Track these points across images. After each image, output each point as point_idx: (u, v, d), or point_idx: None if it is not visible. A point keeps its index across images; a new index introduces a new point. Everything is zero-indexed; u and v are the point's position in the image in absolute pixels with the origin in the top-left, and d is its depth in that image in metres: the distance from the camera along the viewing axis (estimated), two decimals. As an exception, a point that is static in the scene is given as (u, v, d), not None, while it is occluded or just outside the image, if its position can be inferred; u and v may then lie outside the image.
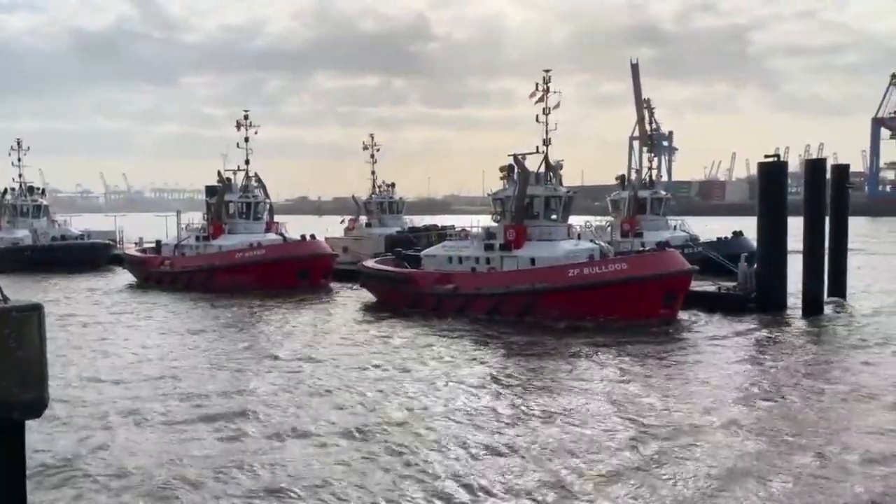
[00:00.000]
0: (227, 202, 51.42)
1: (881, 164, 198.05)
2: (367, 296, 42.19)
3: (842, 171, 40.47)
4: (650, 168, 60.64)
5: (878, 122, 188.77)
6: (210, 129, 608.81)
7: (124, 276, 55.46)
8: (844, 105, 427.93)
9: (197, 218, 55.57)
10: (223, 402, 20.49)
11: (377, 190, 61.95)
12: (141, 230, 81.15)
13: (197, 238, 51.77)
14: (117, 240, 71.74)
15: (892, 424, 17.97)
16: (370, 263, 42.18)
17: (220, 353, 27.59)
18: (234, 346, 28.75)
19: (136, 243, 67.94)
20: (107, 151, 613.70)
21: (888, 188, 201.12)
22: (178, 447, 16.78)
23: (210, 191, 53.24)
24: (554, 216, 36.67)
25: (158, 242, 56.19)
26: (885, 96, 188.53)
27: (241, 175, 51.94)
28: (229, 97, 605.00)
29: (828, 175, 38.21)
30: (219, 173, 52.18)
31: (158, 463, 15.79)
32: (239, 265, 47.32)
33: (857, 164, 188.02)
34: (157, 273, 51.11)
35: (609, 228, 49.74)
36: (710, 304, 35.58)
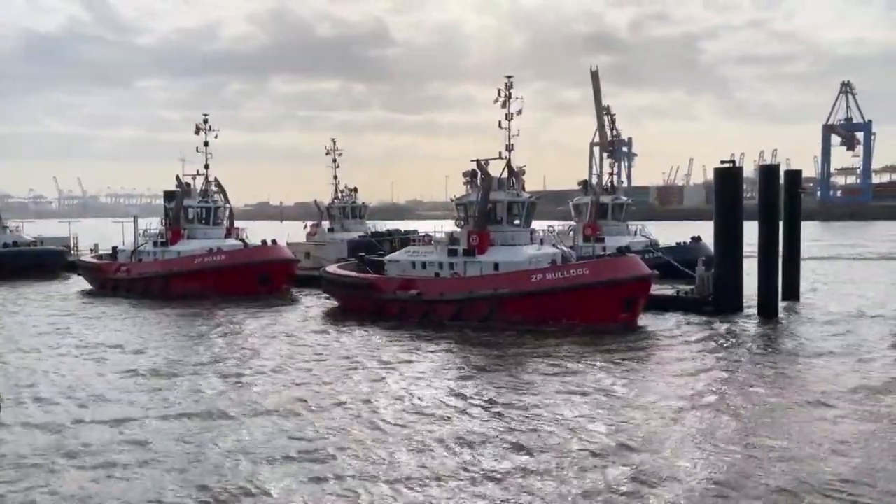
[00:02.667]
0: (187, 207, 50.52)
1: (832, 170, 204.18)
2: (330, 302, 41.81)
3: (794, 176, 41.56)
4: (611, 174, 61.53)
5: (828, 129, 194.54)
6: (167, 133, 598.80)
7: (79, 284, 54.04)
8: (794, 113, 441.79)
9: (155, 223, 54.45)
10: (168, 413, 20.05)
11: (340, 195, 61.58)
12: (96, 236, 79.30)
13: (154, 244, 50.74)
14: (71, 246, 69.98)
15: (836, 418, 18.52)
16: (332, 269, 41.82)
17: (170, 361, 26.90)
18: (186, 355, 28.08)
19: (91, 249, 66.37)
20: (60, 156, 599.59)
21: (839, 193, 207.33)
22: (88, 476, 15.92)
23: (168, 195, 52.26)
24: (517, 221, 36.87)
25: (115, 248, 54.92)
26: (835, 104, 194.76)
27: (200, 179, 51.19)
28: (186, 101, 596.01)
29: (781, 180, 39.23)
30: (177, 178, 51.31)
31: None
32: (198, 271, 46.49)
33: (809, 170, 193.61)
34: (113, 280, 49.92)
35: (571, 233, 50.27)
36: (669, 307, 36.19)
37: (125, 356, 28.10)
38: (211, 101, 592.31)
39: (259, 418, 19.58)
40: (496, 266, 34.84)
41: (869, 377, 23.30)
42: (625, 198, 57.59)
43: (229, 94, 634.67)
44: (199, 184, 51.17)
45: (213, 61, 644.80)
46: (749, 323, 33.51)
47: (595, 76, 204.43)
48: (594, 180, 72.04)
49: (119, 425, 18.91)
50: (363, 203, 62.37)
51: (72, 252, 67.26)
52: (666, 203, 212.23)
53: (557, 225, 49.61)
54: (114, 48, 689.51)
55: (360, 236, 55.90)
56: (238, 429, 18.66)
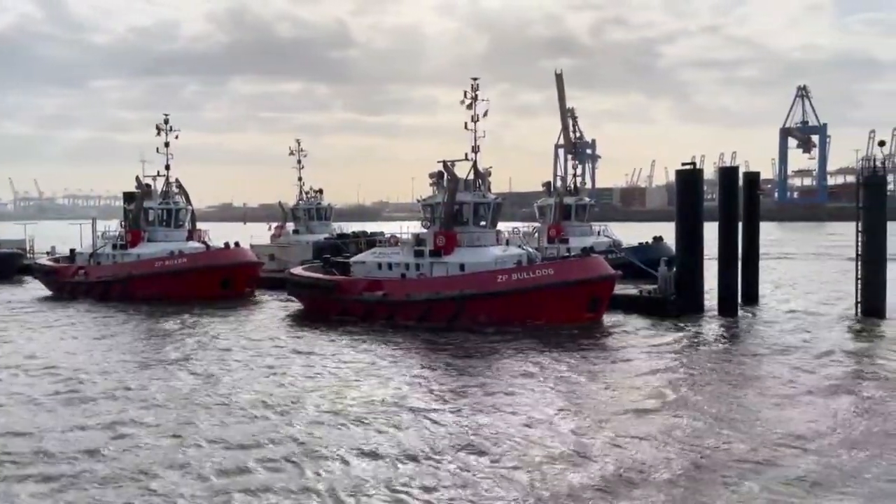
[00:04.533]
0: (147, 209, 49.55)
1: (789, 172, 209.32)
2: (295, 304, 41.42)
3: (753, 178, 42.47)
4: (575, 175, 62.18)
5: (785, 133, 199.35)
6: (124, 134, 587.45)
7: (35, 288, 52.61)
8: (750, 116, 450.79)
9: (114, 225, 53.28)
10: (126, 421, 19.62)
11: (304, 196, 61.05)
12: (54, 239, 77.34)
13: (114, 246, 49.65)
14: (27, 249, 68.12)
15: (793, 413, 18.99)
16: (297, 271, 41.43)
17: (127, 367, 26.30)
18: (144, 360, 27.47)
19: (48, 252, 64.70)
20: (14, 157, 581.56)
21: (796, 195, 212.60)
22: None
23: (128, 197, 51.20)
24: (483, 222, 37.00)
25: (72, 251, 53.61)
26: (791, 108, 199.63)
27: (161, 181, 50.24)
28: (143, 101, 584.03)
29: (740, 182, 40.06)
30: (137, 179, 50.25)
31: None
32: (158, 274, 45.64)
33: (767, 172, 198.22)
34: (71, 283, 48.73)
35: (536, 234, 50.66)
36: (632, 306, 36.67)
37: (75, 364, 27.40)
38: (169, 102, 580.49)
39: (217, 427, 19.26)
40: (462, 267, 34.90)
41: (822, 374, 23.93)
42: (588, 199, 58.24)
43: (188, 95, 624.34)
44: (159, 185, 50.30)
45: (171, 61, 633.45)
46: (709, 322, 34.14)
47: (559, 79, 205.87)
48: (558, 182, 72.63)
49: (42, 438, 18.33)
50: (328, 205, 61.95)
51: (27, 255, 65.46)
52: (629, 204, 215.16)
53: (523, 226, 49.96)
54: (68, 47, 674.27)
55: (325, 238, 55.43)
56: (193, 435, 18.35)
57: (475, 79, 37.07)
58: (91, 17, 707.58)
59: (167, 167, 49.87)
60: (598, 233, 55.83)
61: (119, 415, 20.09)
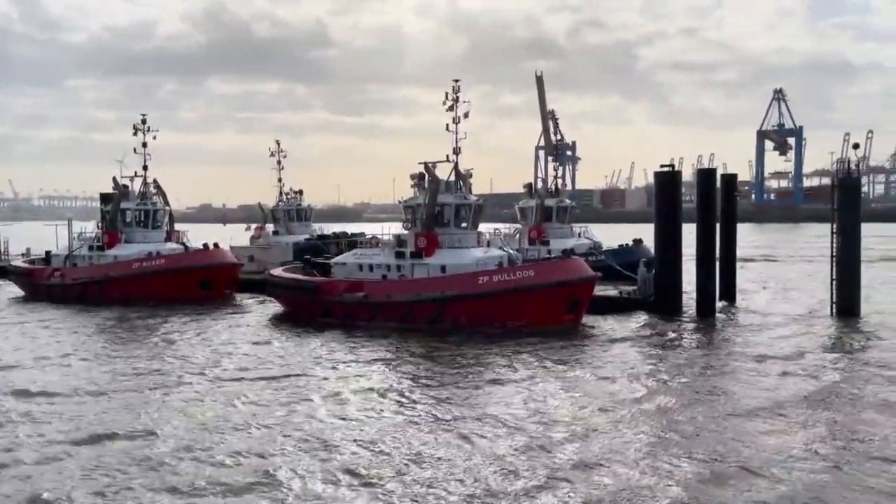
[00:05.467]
0: (124, 210, 48.96)
1: (766, 174, 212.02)
2: (275, 306, 41.15)
3: (730, 180, 42.97)
4: (555, 177, 62.38)
5: (762, 135, 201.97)
6: (101, 134, 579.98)
7: (9, 290, 51.75)
8: (727, 118, 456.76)
9: (90, 226, 52.57)
10: (102, 428, 19.29)
11: (284, 197, 60.67)
12: (29, 240, 76.14)
13: (90, 247, 48.98)
14: (1, 251, 67.02)
15: (768, 414, 19.22)
16: (277, 272, 41.17)
17: (104, 372, 25.87)
18: (120, 365, 27.00)
19: (23, 254, 63.70)
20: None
21: (772, 196, 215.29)
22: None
23: (105, 198, 50.54)
24: (464, 224, 37.02)
25: (48, 253, 52.81)
26: (767, 111, 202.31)
27: (138, 181, 49.68)
28: (119, 101, 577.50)
29: (718, 184, 40.50)
30: (114, 180, 49.61)
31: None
32: (136, 276, 45.12)
33: (745, 174, 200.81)
34: (47, 286, 48.00)
35: (517, 236, 50.74)
36: (612, 308, 36.90)
37: (42, 365, 27.02)
38: (145, 102, 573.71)
39: (195, 432, 19.09)
40: (443, 268, 34.91)
41: (796, 372, 24.25)
42: (569, 201, 58.44)
43: (164, 95, 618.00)
44: (137, 186, 49.73)
45: (147, 61, 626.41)
46: (688, 323, 34.46)
47: (540, 81, 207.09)
48: (539, 184, 72.88)
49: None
50: (309, 205, 61.60)
51: (1, 257, 64.41)
52: (609, 206, 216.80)
53: (504, 228, 50.01)
54: (42, 46, 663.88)
55: (306, 239, 55.14)
56: (172, 441, 18.16)
57: (456, 80, 37.11)
58: (66, 16, 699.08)
59: (145, 167, 49.34)
60: (579, 235, 56.06)
61: (78, 418, 19.80)
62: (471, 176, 38.17)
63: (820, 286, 42.20)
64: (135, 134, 48.84)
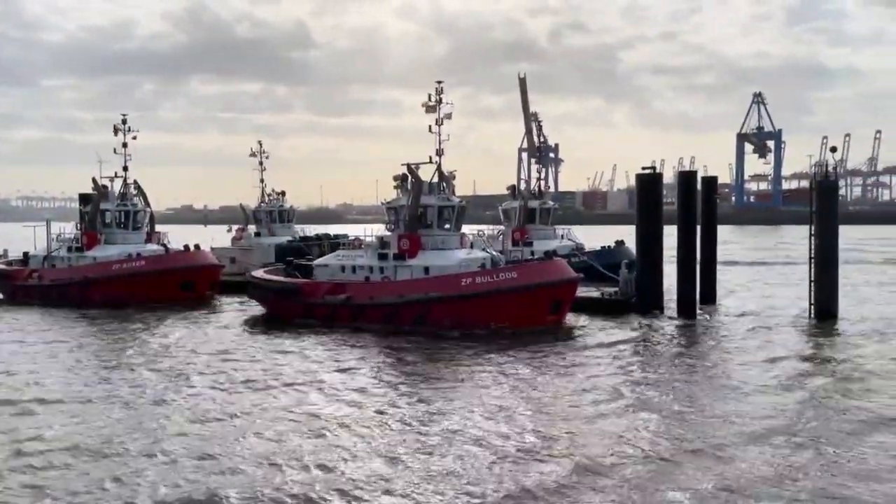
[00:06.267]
0: (104, 211, 48.45)
1: (746, 177, 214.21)
2: (256, 308, 40.90)
3: (711, 182, 43.37)
4: (538, 179, 62.64)
5: (742, 138, 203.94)
6: (79, 135, 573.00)
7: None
8: (706, 122, 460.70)
9: (69, 228, 51.96)
10: (81, 434, 19.06)
11: (266, 198, 60.33)
12: (6, 241, 74.92)
13: (69, 249, 48.40)
14: (-23, 252, 65.92)
15: (746, 411, 19.44)
16: (259, 274, 40.93)
17: (83, 374, 25.62)
18: (99, 369, 26.70)
19: (0, 255, 62.74)
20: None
21: (752, 199, 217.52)
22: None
23: (84, 199, 49.99)
24: (447, 226, 37.03)
25: (26, 254, 52.09)
26: (747, 114, 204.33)
27: (118, 182, 49.15)
28: (98, 101, 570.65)
29: (699, 186, 40.87)
30: (94, 180, 49.08)
31: None
32: (116, 277, 44.64)
33: (725, 177, 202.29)
34: (25, 287, 47.37)
35: (500, 237, 50.86)
36: (594, 309, 37.10)
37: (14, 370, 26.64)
38: (125, 102, 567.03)
39: (176, 437, 18.92)
40: (426, 270, 34.89)
41: (774, 373, 24.56)
42: (552, 203, 58.71)
43: (144, 95, 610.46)
44: (117, 187, 49.22)
45: (127, 60, 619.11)
46: (669, 323, 34.74)
47: (523, 83, 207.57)
48: (522, 185, 73.13)
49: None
50: (291, 207, 61.30)
51: (-23, 258, 63.32)
52: (591, 208, 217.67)
53: (487, 229, 50.12)
54: (18, 45, 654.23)
55: (288, 241, 54.88)
56: (151, 447, 17.99)
57: (439, 82, 37.15)
58: (43, 15, 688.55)
59: (125, 168, 48.86)
60: (562, 236, 56.33)
61: (50, 422, 19.56)
62: (454, 177, 38.21)
63: (799, 288, 42.62)
64: (115, 134, 48.42)
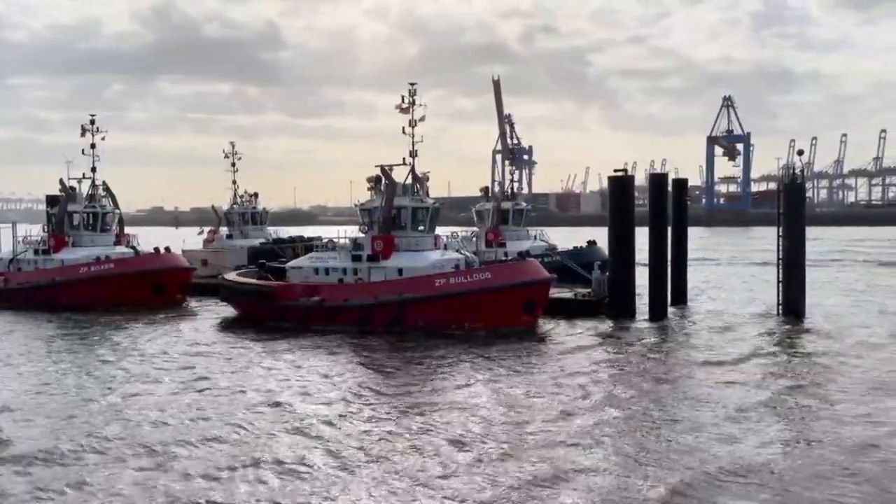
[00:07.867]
0: (71, 213, 47.65)
1: (716, 179, 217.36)
2: (229, 311, 40.50)
3: (681, 185, 43.97)
4: (512, 181, 62.99)
5: (712, 141, 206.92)
6: (46, 135, 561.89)
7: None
8: (675, 125, 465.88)
9: (36, 230, 51.00)
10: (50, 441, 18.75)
11: (239, 200, 59.81)
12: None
13: (36, 251, 47.51)
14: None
15: (716, 412, 19.77)
16: (232, 276, 40.57)
17: (50, 382, 25.06)
18: (65, 374, 26.18)
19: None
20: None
21: (722, 201, 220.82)
22: None
23: (51, 200, 49.09)
24: (421, 227, 37.05)
25: (-10, 257, 50.99)
26: (717, 117, 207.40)
27: (87, 183, 48.38)
28: (65, 101, 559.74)
29: (670, 189, 41.41)
30: (61, 181, 48.28)
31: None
32: (84, 280, 43.92)
33: (695, 179, 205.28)
34: (-11, 290, 46.37)
35: (474, 239, 50.97)
36: (567, 309, 37.37)
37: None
38: (93, 102, 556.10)
39: (140, 446, 18.69)
40: (400, 271, 34.87)
41: (743, 370, 24.98)
42: (525, 204, 59.08)
43: (112, 95, 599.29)
44: (85, 188, 48.46)
45: (94, 60, 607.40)
46: (641, 323, 35.13)
47: (497, 85, 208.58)
48: (496, 187, 73.49)
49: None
50: (264, 208, 60.84)
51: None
52: (565, 209, 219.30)
53: (461, 231, 50.24)
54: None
55: (261, 243, 54.44)
56: (122, 456, 17.74)
57: (413, 84, 37.16)
58: (6, 13, 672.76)
59: (93, 169, 48.11)
60: (535, 237, 56.72)
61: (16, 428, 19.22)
62: (428, 179, 38.26)
63: (768, 288, 43.35)
64: (83, 134, 47.67)
